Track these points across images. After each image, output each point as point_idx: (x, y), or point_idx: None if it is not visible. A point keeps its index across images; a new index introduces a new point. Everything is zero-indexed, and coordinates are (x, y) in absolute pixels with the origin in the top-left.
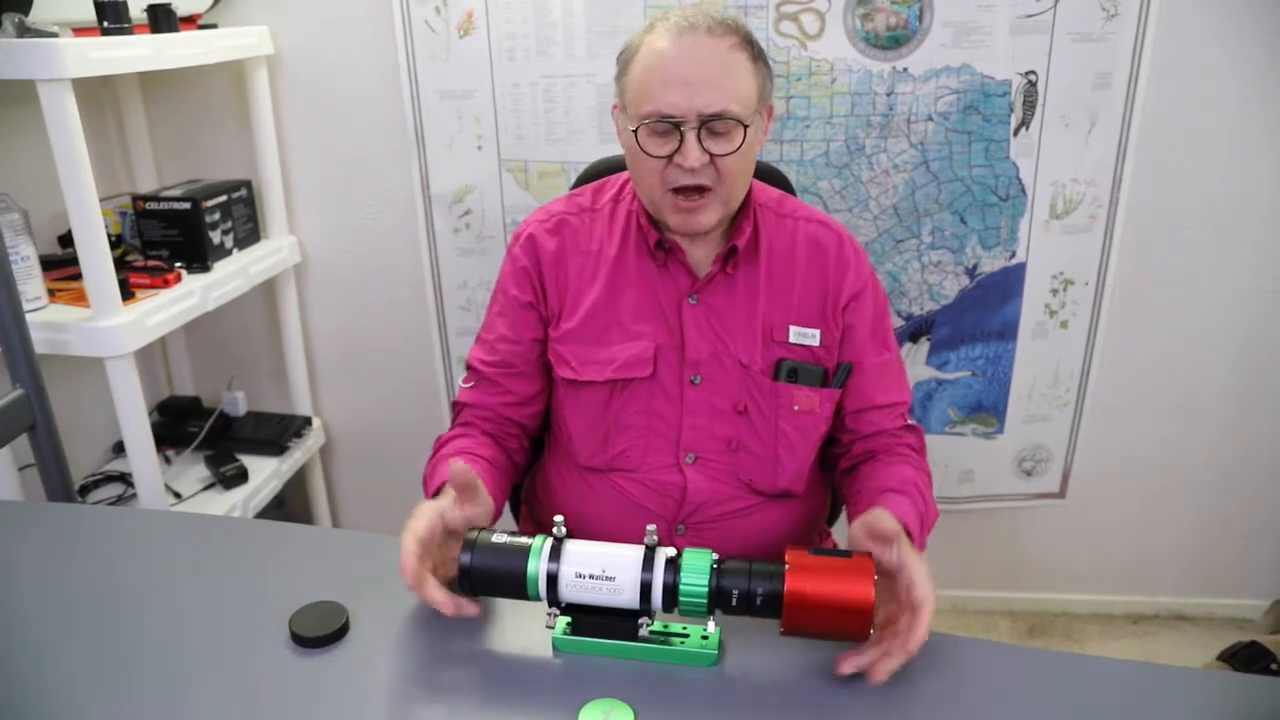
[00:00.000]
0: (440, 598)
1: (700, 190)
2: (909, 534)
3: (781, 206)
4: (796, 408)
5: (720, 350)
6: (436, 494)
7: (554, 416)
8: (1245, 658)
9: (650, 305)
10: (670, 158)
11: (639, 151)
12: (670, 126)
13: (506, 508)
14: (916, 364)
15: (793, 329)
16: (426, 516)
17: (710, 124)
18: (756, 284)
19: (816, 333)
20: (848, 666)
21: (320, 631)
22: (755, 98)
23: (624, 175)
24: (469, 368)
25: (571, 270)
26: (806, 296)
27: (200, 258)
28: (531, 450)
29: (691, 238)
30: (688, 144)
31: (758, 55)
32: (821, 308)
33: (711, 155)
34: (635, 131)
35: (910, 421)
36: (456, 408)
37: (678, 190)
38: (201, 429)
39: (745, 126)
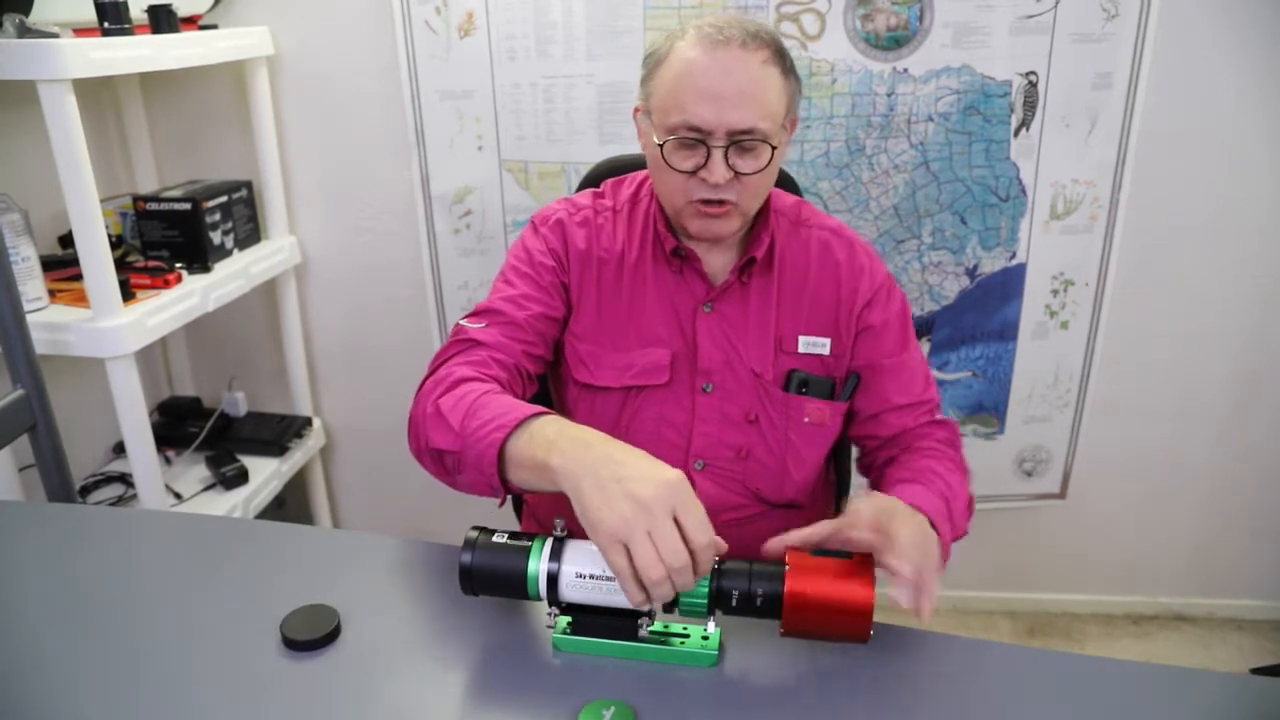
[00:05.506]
0: None
1: (722, 201)
2: (932, 524)
3: (798, 213)
4: (807, 419)
5: (733, 359)
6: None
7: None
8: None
9: (666, 312)
10: (695, 171)
11: (663, 163)
12: (697, 141)
13: (509, 507)
14: None
15: (802, 339)
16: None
17: (739, 141)
18: (770, 293)
19: (827, 341)
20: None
21: (311, 635)
22: (783, 112)
23: (643, 174)
24: (483, 312)
25: (592, 268)
26: (818, 305)
27: (200, 258)
28: None
29: (709, 245)
30: (714, 161)
31: (789, 69)
32: (835, 316)
33: (737, 172)
34: (661, 145)
35: (940, 417)
36: (461, 345)
37: (701, 200)
38: (202, 429)
39: (773, 147)
